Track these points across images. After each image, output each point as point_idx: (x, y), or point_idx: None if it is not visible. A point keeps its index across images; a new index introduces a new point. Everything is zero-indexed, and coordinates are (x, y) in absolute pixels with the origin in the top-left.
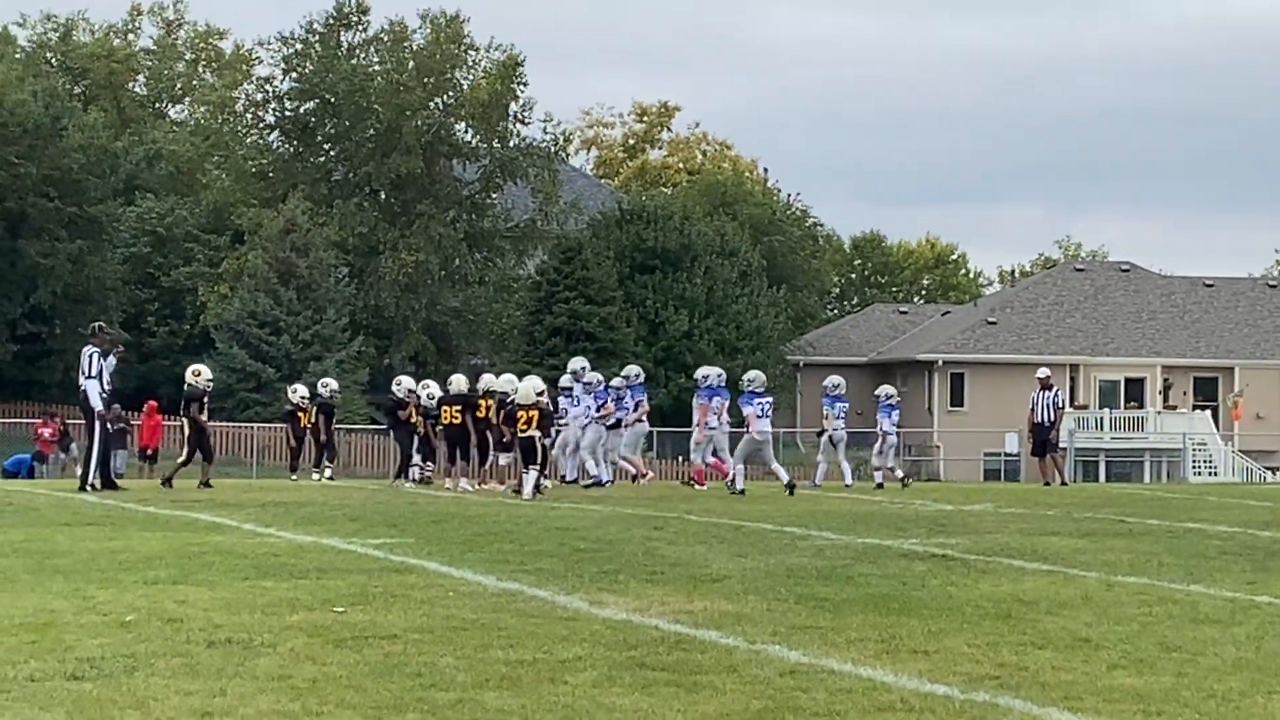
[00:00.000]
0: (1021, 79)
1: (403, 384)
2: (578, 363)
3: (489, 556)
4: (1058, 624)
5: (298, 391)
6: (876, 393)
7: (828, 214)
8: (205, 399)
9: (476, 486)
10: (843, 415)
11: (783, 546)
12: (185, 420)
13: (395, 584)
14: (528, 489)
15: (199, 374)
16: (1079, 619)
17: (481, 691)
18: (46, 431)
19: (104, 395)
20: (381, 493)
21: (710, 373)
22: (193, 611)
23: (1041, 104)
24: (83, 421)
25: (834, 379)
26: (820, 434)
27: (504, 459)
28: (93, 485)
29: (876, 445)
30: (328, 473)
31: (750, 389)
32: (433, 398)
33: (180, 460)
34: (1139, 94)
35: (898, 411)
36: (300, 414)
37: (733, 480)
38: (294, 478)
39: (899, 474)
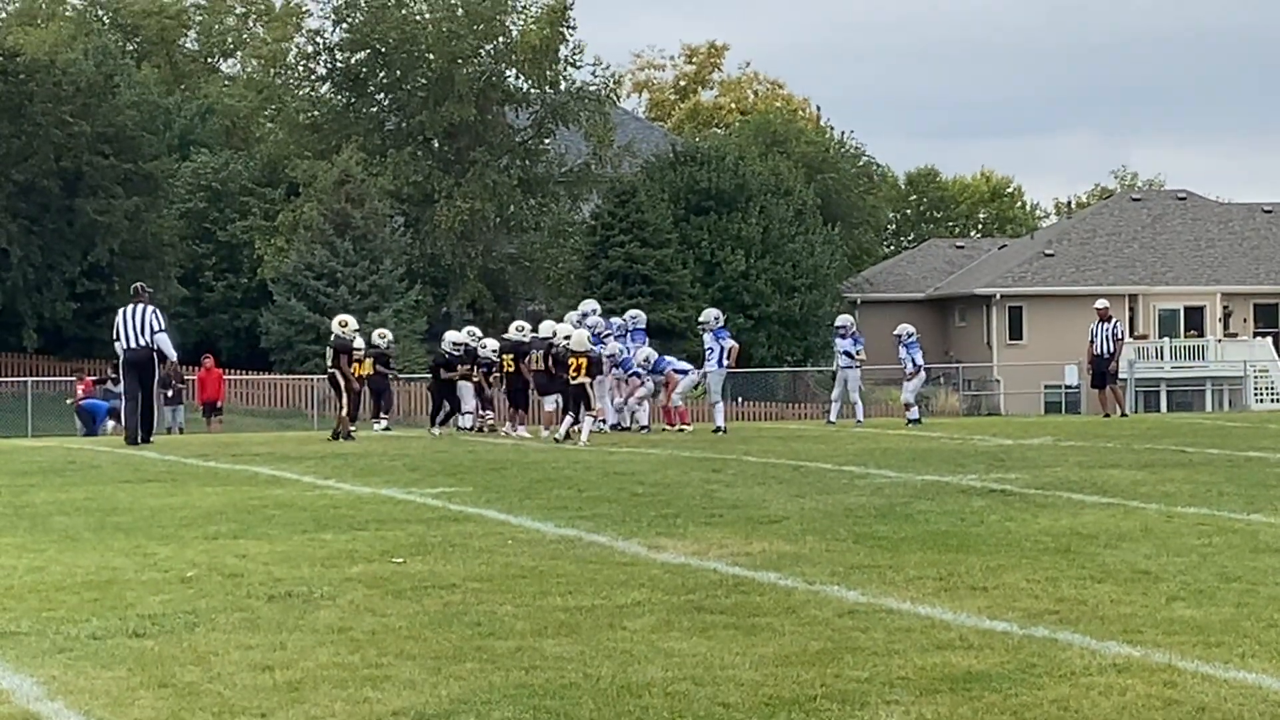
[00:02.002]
0: (1070, 6)
1: (448, 339)
2: (588, 305)
3: (547, 503)
4: (1117, 557)
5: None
6: (897, 331)
7: (881, 150)
8: (354, 350)
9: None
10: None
11: (841, 486)
12: (335, 372)
13: (454, 533)
14: (584, 435)
15: (345, 324)
16: (1138, 551)
17: (540, 639)
18: (80, 389)
19: (128, 350)
20: (440, 441)
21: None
22: (253, 566)
23: (1091, 31)
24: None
25: (844, 317)
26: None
27: (549, 404)
28: (141, 437)
29: (914, 383)
30: (384, 423)
31: (720, 325)
32: (495, 351)
33: (344, 413)
34: (1190, 17)
35: (918, 348)
36: (356, 364)
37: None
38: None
39: (914, 413)
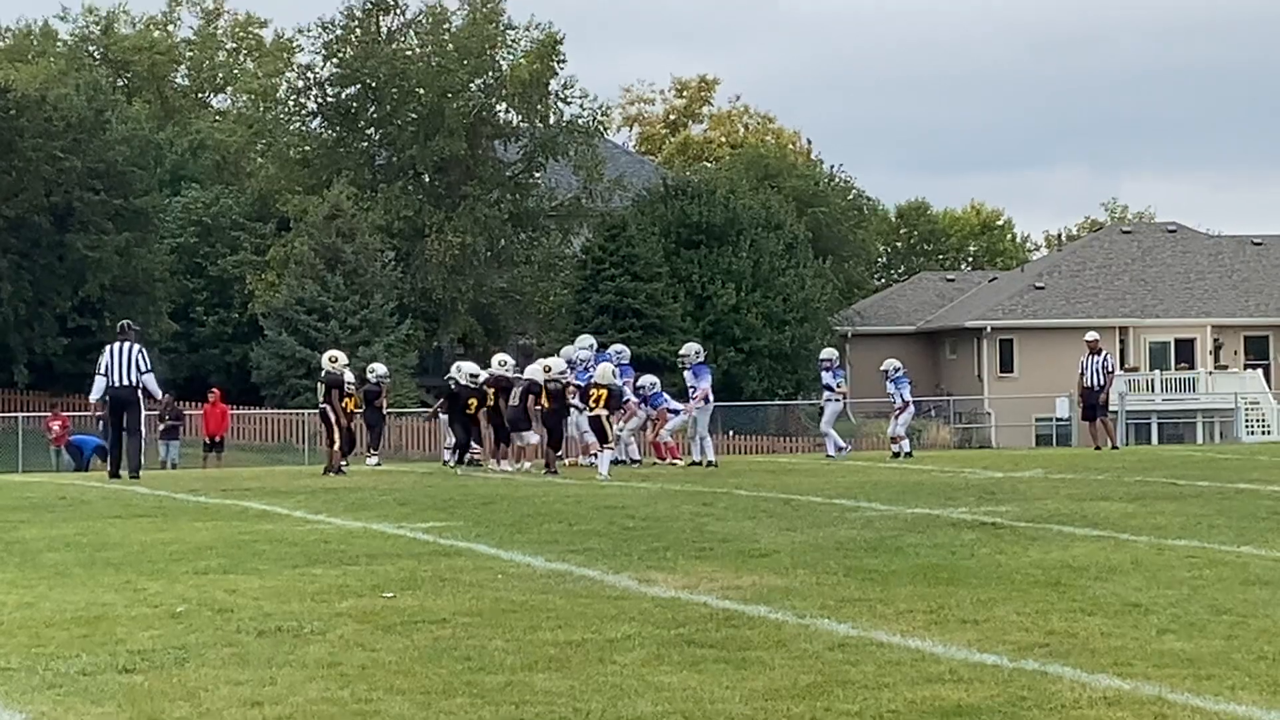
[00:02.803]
0: (1059, 41)
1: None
2: (584, 340)
3: (538, 538)
4: (1107, 590)
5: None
6: (884, 366)
7: (871, 183)
8: (345, 385)
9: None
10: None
11: (832, 519)
12: (326, 407)
13: (444, 568)
14: (603, 468)
15: (335, 360)
16: (1129, 584)
17: (530, 673)
18: (56, 425)
19: (114, 387)
20: (432, 476)
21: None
22: (243, 601)
23: (1080, 65)
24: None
25: (827, 350)
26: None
27: (530, 438)
28: (133, 475)
29: (904, 417)
30: (375, 459)
31: (699, 360)
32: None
33: (336, 448)
34: (1179, 52)
35: (907, 383)
36: (347, 399)
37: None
38: (345, 463)
39: (905, 445)
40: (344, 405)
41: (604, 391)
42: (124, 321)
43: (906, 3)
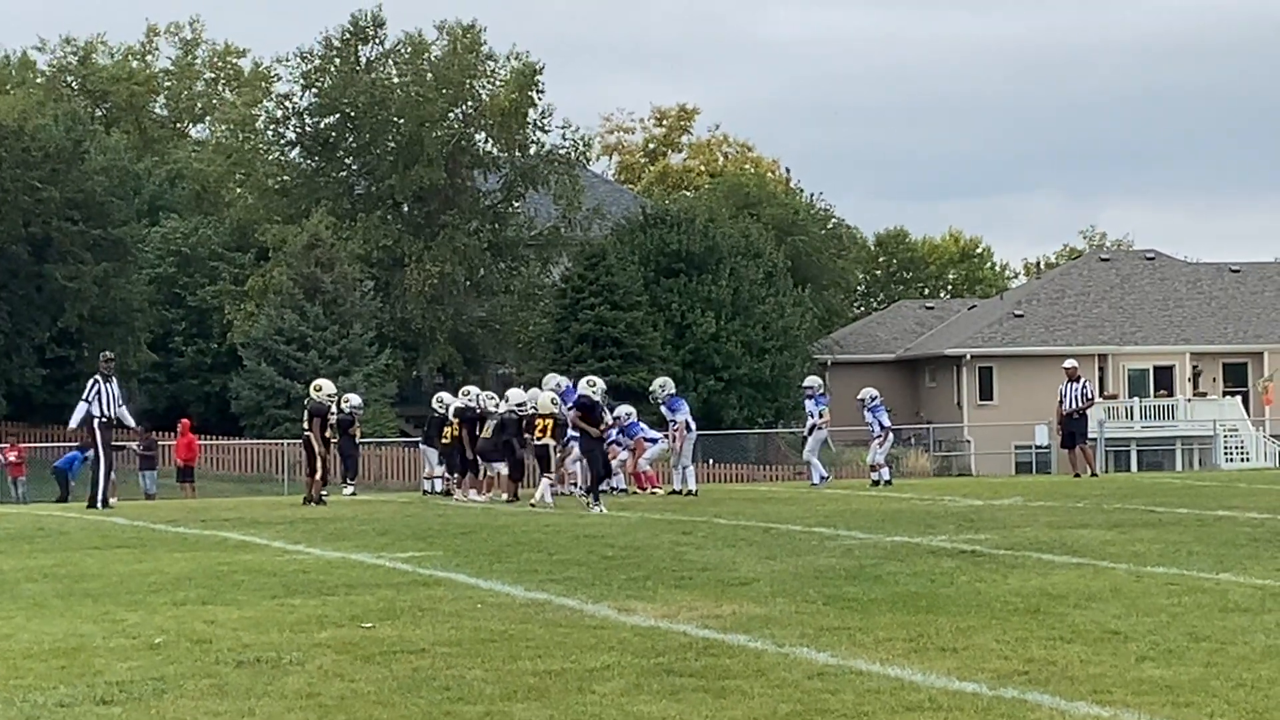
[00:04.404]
0: (1033, 67)
1: (444, 400)
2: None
3: (517, 567)
4: (1086, 617)
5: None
6: (860, 395)
7: (850, 210)
8: (329, 415)
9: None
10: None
11: (811, 548)
12: (311, 435)
13: (423, 598)
14: (545, 495)
15: (320, 389)
16: (1108, 611)
17: (510, 703)
18: (12, 455)
19: (103, 419)
20: (411, 506)
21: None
22: (221, 631)
23: (1056, 92)
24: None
25: (810, 379)
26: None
27: (499, 468)
28: (103, 503)
29: (883, 444)
30: (351, 488)
31: (671, 393)
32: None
33: (317, 476)
34: (1154, 78)
35: (884, 411)
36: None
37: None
38: (324, 492)
39: (885, 474)
40: (325, 434)
41: (550, 421)
42: (110, 354)
43: (883, 30)
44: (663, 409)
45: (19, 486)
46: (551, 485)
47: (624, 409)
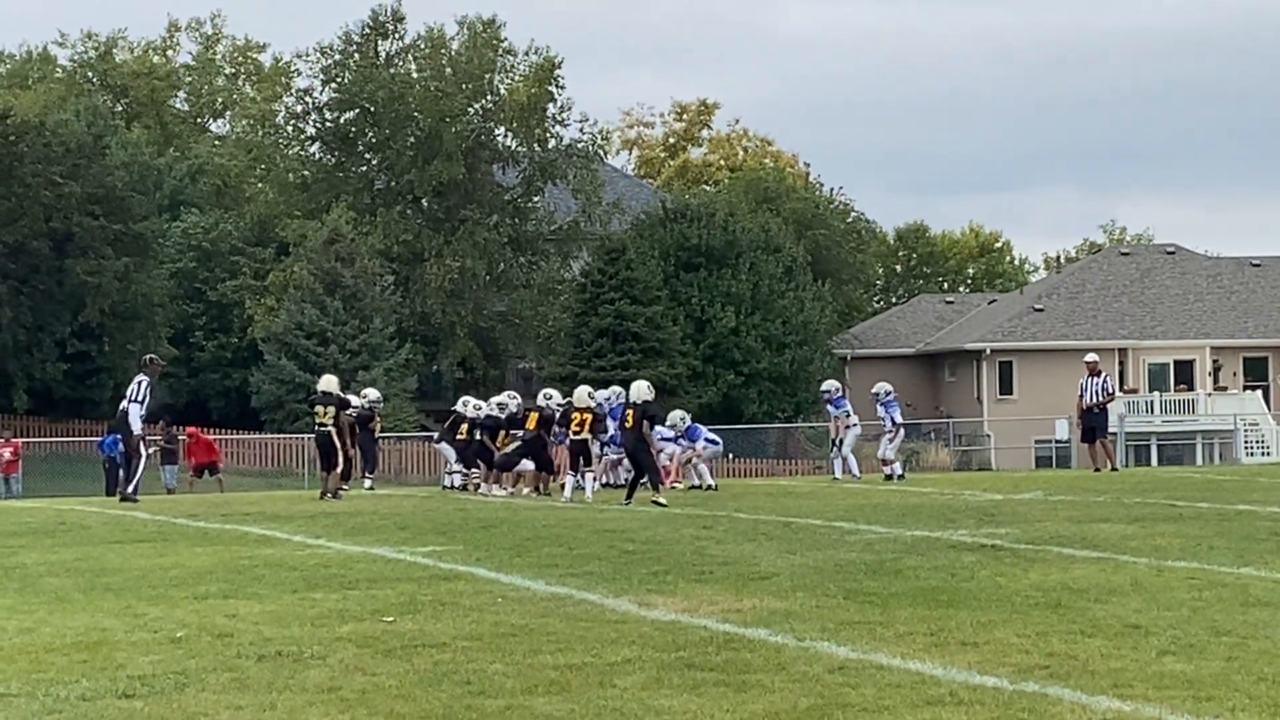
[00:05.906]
0: (1052, 61)
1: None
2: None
3: (538, 561)
4: (1107, 611)
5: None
6: (875, 390)
7: (870, 205)
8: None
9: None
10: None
11: (831, 542)
12: (345, 436)
13: (444, 592)
14: (587, 490)
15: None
16: (1128, 606)
17: (530, 697)
18: (7, 452)
19: (143, 418)
20: (431, 500)
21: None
22: (243, 625)
23: (1075, 86)
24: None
25: (830, 383)
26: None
27: (527, 465)
28: (133, 498)
29: (893, 440)
30: (369, 482)
31: (688, 424)
32: (479, 408)
33: (338, 472)
34: (1174, 72)
35: (897, 407)
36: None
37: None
38: (345, 486)
39: (897, 468)
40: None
41: (588, 415)
42: (147, 356)
43: (902, 26)
44: (682, 440)
45: (12, 484)
46: (580, 481)
47: (677, 414)
